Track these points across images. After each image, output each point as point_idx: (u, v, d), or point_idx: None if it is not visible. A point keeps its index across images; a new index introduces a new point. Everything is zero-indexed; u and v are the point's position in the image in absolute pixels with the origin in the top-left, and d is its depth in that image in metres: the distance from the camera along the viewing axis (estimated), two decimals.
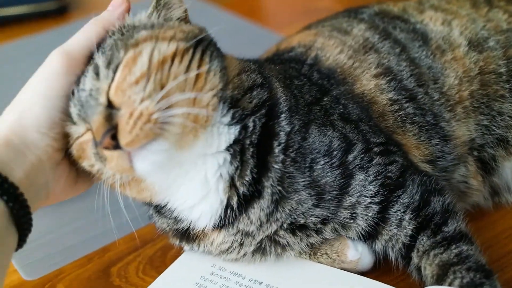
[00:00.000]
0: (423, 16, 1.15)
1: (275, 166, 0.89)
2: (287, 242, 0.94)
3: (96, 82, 0.83)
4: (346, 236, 0.96)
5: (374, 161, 0.93)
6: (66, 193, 0.91)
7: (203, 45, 0.88)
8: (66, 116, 0.85)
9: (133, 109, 0.79)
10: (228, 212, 0.90)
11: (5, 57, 1.85)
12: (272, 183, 0.89)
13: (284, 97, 0.93)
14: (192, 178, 0.89)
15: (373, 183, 0.92)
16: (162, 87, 0.81)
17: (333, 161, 0.91)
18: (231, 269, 0.99)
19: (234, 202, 0.90)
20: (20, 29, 2.03)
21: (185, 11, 0.93)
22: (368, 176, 0.92)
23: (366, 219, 0.93)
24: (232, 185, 0.89)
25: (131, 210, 0.91)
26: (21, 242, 0.81)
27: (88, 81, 0.84)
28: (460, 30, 1.10)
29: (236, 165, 0.88)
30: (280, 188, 0.89)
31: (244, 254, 0.95)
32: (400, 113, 1.02)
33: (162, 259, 1.05)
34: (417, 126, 1.02)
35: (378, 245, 0.94)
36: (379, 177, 0.93)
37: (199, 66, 0.85)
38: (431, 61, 1.07)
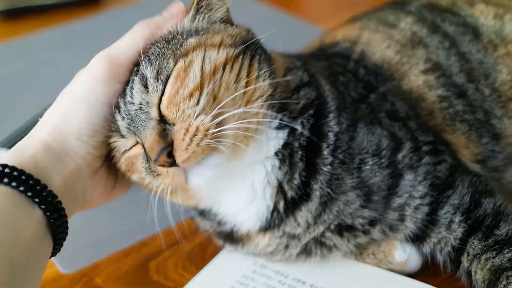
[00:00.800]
0: (473, 9, 1.11)
1: (324, 168, 0.87)
2: (334, 244, 0.92)
3: (145, 95, 0.81)
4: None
5: (423, 160, 0.90)
6: (104, 198, 0.90)
7: (251, 49, 0.85)
8: (108, 123, 0.83)
9: (189, 125, 0.77)
10: (274, 215, 0.89)
11: (40, 46, 1.84)
12: (321, 186, 0.87)
13: (332, 96, 0.91)
14: (239, 185, 0.87)
15: (423, 183, 0.89)
16: (214, 98, 0.79)
17: (382, 160, 0.89)
18: (274, 267, 0.97)
19: (281, 206, 0.88)
20: (54, 18, 2.01)
21: (227, 10, 0.89)
22: (418, 176, 0.89)
23: (415, 221, 0.90)
24: (280, 190, 0.87)
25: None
26: (55, 250, 0.80)
27: (136, 94, 0.81)
28: None
29: (285, 170, 0.86)
30: (328, 190, 0.87)
31: (289, 256, 0.93)
32: (450, 111, 0.99)
33: (201, 255, 1.04)
34: (466, 124, 0.99)
35: (426, 248, 0.92)
36: (429, 177, 0.90)
37: (248, 72, 0.83)
38: (482, 56, 1.04)
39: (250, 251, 0.95)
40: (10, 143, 0.96)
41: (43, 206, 0.74)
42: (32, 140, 0.80)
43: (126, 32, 0.86)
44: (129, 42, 0.84)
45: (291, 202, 0.87)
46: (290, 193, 0.87)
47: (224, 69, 0.81)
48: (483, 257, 0.86)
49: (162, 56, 0.82)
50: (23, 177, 0.73)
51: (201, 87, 0.79)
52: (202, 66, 0.80)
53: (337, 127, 0.88)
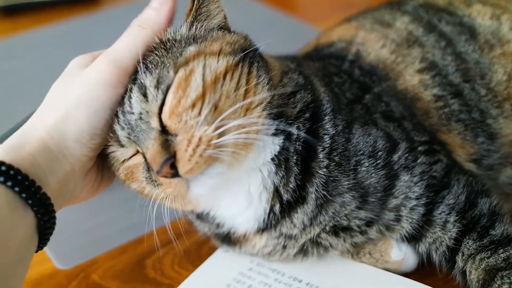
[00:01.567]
0: (470, 9, 1.11)
1: (320, 171, 0.87)
2: (330, 244, 0.92)
3: (145, 104, 0.80)
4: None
5: (418, 160, 0.91)
6: (89, 195, 0.89)
7: (249, 56, 0.85)
8: (107, 128, 0.82)
9: (192, 135, 0.77)
10: (271, 216, 0.89)
11: (37, 43, 1.83)
12: (317, 188, 0.87)
13: (327, 98, 0.91)
14: (236, 191, 0.87)
15: (419, 184, 0.90)
16: (215, 107, 0.79)
17: (378, 161, 0.89)
18: (270, 265, 0.97)
19: (277, 208, 0.88)
20: (52, 15, 2.01)
21: (225, 17, 0.88)
22: (414, 176, 0.90)
23: (410, 222, 0.90)
24: (276, 193, 0.87)
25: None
26: (39, 248, 0.78)
27: (135, 103, 0.80)
28: (510, 25, 1.07)
29: (281, 175, 0.86)
30: (324, 192, 0.87)
31: (287, 256, 0.94)
32: (445, 110, 0.99)
33: (198, 253, 1.04)
34: (462, 124, 0.99)
35: (422, 248, 0.92)
36: (425, 178, 0.90)
37: (247, 80, 0.83)
38: (478, 55, 1.04)
39: (248, 252, 0.95)
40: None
41: (35, 209, 0.73)
42: (30, 137, 0.78)
43: (123, 31, 0.85)
44: (132, 44, 0.83)
45: (287, 204, 0.88)
46: (286, 197, 0.87)
47: (224, 78, 0.80)
48: (478, 257, 0.86)
49: (161, 65, 0.80)
50: (19, 177, 0.72)
51: (203, 96, 0.78)
52: (203, 75, 0.79)
53: (333, 129, 0.88)
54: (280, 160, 0.86)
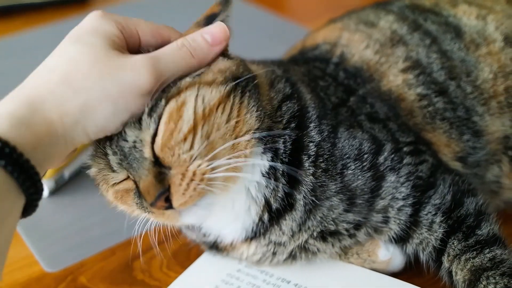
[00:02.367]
0: (456, 9, 1.11)
1: (306, 179, 0.86)
2: (318, 249, 0.92)
3: (138, 132, 0.77)
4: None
5: (404, 161, 0.91)
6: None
7: (241, 85, 0.83)
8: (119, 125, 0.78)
9: (185, 170, 0.77)
10: (259, 225, 0.89)
11: (28, 45, 1.83)
12: (305, 195, 0.86)
13: (313, 105, 0.91)
14: (225, 208, 0.87)
15: (405, 185, 0.90)
16: (207, 138, 0.78)
17: (364, 164, 0.89)
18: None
19: (266, 217, 0.88)
20: (42, 17, 2.01)
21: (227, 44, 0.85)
22: (400, 177, 0.90)
23: (398, 223, 0.91)
24: (266, 205, 0.87)
25: None
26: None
27: (130, 131, 0.78)
28: (495, 25, 1.07)
29: (271, 187, 0.86)
30: (313, 198, 0.87)
31: (277, 262, 0.94)
32: (429, 109, 0.99)
33: (187, 254, 1.04)
34: (447, 122, 0.99)
35: (409, 248, 0.92)
36: (411, 178, 0.90)
37: (238, 112, 0.81)
38: (464, 54, 1.04)
39: (236, 259, 0.96)
40: None
41: (28, 194, 0.70)
42: (39, 116, 0.72)
43: None
44: (175, 69, 0.79)
45: (275, 213, 0.87)
46: (275, 206, 0.87)
47: (217, 110, 0.79)
48: (463, 258, 0.86)
49: (158, 94, 0.78)
50: (20, 162, 0.68)
51: (194, 129, 0.77)
52: (195, 107, 0.77)
53: (318, 136, 0.88)
54: (270, 174, 0.86)
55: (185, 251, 1.04)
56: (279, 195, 0.86)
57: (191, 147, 0.77)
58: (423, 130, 0.98)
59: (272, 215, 0.87)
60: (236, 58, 0.87)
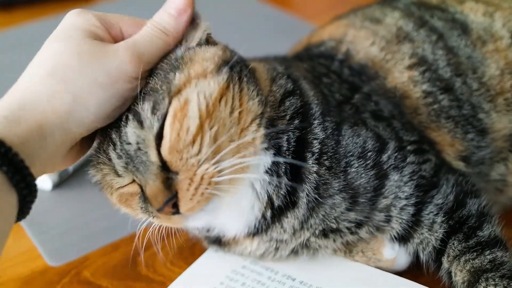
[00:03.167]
0: (463, 6, 1.10)
1: (310, 177, 0.86)
2: (319, 245, 0.92)
3: (140, 131, 0.77)
4: None
5: (408, 160, 0.90)
6: (63, 166, 0.84)
7: (236, 71, 0.83)
8: (114, 113, 0.79)
9: (193, 174, 0.76)
10: (261, 221, 0.88)
11: (30, 37, 1.81)
12: (308, 193, 0.86)
13: (316, 101, 0.90)
14: (230, 206, 0.86)
15: (408, 184, 0.89)
16: (214, 139, 0.77)
17: (368, 162, 0.88)
18: (264, 263, 0.97)
19: (268, 214, 0.88)
20: (45, 9, 2.00)
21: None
22: (403, 176, 0.89)
23: (400, 222, 0.90)
24: (269, 201, 0.87)
25: None
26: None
27: (131, 132, 0.77)
28: (503, 22, 1.06)
29: (274, 184, 0.86)
30: (316, 196, 0.86)
31: (280, 257, 0.94)
32: (435, 106, 0.99)
33: (191, 250, 1.03)
34: (452, 121, 0.98)
35: (410, 248, 0.92)
36: (414, 177, 0.90)
37: (240, 100, 0.81)
38: (470, 50, 1.03)
39: (239, 253, 0.95)
40: None
41: (20, 191, 0.70)
42: (30, 112, 0.72)
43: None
44: (155, 50, 0.80)
45: (278, 210, 0.87)
46: (277, 203, 0.87)
47: (220, 104, 0.78)
48: (463, 259, 0.86)
49: (155, 92, 0.78)
50: (14, 160, 0.68)
51: (201, 128, 0.76)
52: (198, 104, 0.77)
53: (322, 133, 0.87)
54: (273, 171, 0.85)
55: (189, 246, 1.04)
56: (282, 192, 0.86)
57: (200, 150, 0.76)
58: (427, 129, 0.98)
59: (275, 212, 0.87)
60: (220, 43, 0.86)
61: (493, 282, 0.81)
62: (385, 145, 0.90)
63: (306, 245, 0.92)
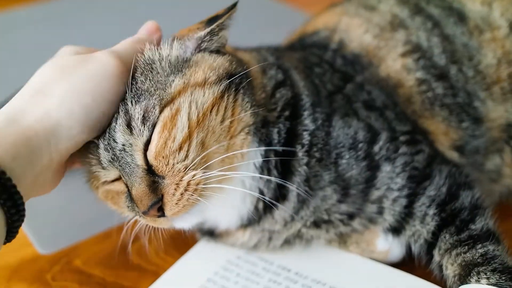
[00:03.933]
0: None
1: (300, 169, 0.86)
2: (311, 236, 0.92)
3: (129, 137, 0.77)
4: None
5: (400, 151, 0.89)
6: (54, 187, 0.83)
7: (235, 82, 0.82)
8: (102, 122, 0.78)
9: (180, 180, 0.76)
10: (254, 213, 0.88)
11: (23, 21, 1.81)
12: (298, 186, 0.86)
13: (307, 92, 0.89)
14: (221, 203, 0.85)
15: (401, 175, 0.89)
16: (202, 146, 0.77)
17: (359, 153, 0.88)
18: (259, 254, 0.96)
19: (260, 206, 0.88)
20: None
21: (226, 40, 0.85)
22: (395, 167, 0.89)
23: (393, 214, 0.90)
24: (260, 195, 0.86)
25: None
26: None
27: (119, 135, 0.77)
28: (501, 11, 1.05)
29: (265, 179, 0.85)
30: (306, 188, 0.86)
31: (273, 247, 0.93)
32: (428, 94, 0.98)
33: (185, 239, 1.02)
34: (446, 109, 0.98)
35: (402, 240, 0.91)
36: (407, 169, 0.89)
37: (232, 110, 0.81)
38: (467, 38, 1.02)
39: (231, 244, 0.95)
40: None
41: (6, 208, 0.70)
42: (17, 126, 0.73)
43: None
44: (131, 50, 0.82)
45: (269, 202, 0.86)
46: (268, 196, 0.86)
47: (211, 113, 0.78)
48: (454, 252, 0.85)
49: (149, 96, 0.77)
50: (2, 181, 0.68)
51: (189, 137, 0.76)
52: (189, 114, 0.77)
53: (312, 124, 0.87)
54: (263, 167, 0.85)
55: (183, 236, 1.02)
56: (272, 186, 0.86)
57: (186, 156, 0.76)
58: (421, 118, 0.97)
59: (266, 204, 0.87)
60: (228, 54, 0.85)
61: (484, 276, 0.80)
62: (377, 136, 0.89)
63: (298, 236, 0.91)
